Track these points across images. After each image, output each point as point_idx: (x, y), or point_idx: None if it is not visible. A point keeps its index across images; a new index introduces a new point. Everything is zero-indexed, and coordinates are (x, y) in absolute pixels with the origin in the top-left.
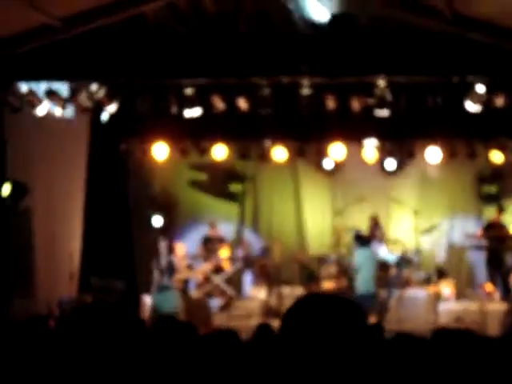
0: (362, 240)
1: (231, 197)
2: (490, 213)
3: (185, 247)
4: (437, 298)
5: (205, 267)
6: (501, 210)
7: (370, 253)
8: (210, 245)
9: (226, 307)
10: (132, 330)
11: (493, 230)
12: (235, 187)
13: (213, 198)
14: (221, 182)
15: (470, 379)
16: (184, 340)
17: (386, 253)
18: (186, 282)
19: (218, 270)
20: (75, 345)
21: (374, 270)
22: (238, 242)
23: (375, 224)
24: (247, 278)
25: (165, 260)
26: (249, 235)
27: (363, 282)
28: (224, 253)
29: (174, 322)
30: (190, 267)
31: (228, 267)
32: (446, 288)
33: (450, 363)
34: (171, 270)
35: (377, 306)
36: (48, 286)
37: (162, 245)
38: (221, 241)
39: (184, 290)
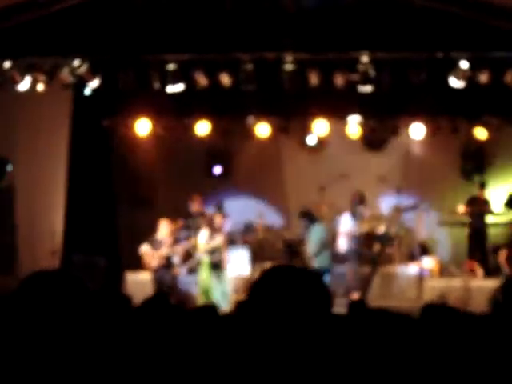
0: (311, 217)
1: (215, 173)
2: (473, 189)
3: (169, 224)
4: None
5: (187, 243)
6: (482, 185)
7: (322, 229)
8: (192, 220)
9: None
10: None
11: (475, 206)
12: (218, 164)
13: (196, 174)
14: (204, 158)
15: (458, 357)
16: (168, 319)
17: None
18: (168, 259)
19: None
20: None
21: (328, 246)
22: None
23: (360, 200)
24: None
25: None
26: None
27: (318, 257)
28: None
29: (163, 301)
30: (174, 243)
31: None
32: (430, 265)
33: (437, 340)
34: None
35: (344, 282)
36: (30, 263)
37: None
38: (203, 215)
39: (168, 266)
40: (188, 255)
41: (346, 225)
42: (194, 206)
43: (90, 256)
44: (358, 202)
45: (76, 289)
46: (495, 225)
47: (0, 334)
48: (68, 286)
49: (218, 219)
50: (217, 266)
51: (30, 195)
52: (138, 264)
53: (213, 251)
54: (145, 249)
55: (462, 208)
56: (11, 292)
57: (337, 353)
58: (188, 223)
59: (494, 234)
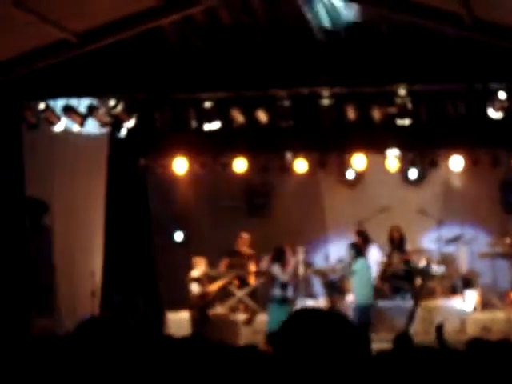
0: (358, 250)
1: (253, 210)
2: None
3: (205, 261)
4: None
5: (223, 281)
6: None
7: (366, 264)
8: (235, 258)
9: (249, 321)
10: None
11: None
12: (257, 200)
13: (235, 211)
14: (242, 196)
15: None
16: (206, 357)
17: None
18: (204, 297)
19: (242, 283)
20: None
21: (371, 282)
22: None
23: (399, 235)
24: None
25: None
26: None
27: (360, 293)
28: (250, 267)
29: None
30: (210, 281)
31: (252, 281)
32: (472, 297)
33: (485, 374)
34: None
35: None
36: (69, 304)
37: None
38: (249, 257)
39: (206, 305)
40: (229, 294)
41: (374, 257)
42: (243, 245)
43: (129, 296)
44: (398, 236)
45: (126, 333)
46: None
47: (60, 372)
48: (118, 330)
49: (289, 252)
50: (286, 301)
51: (69, 235)
52: (175, 303)
53: (284, 285)
54: (195, 287)
55: (508, 239)
56: (67, 335)
57: None
58: (233, 262)
59: None
